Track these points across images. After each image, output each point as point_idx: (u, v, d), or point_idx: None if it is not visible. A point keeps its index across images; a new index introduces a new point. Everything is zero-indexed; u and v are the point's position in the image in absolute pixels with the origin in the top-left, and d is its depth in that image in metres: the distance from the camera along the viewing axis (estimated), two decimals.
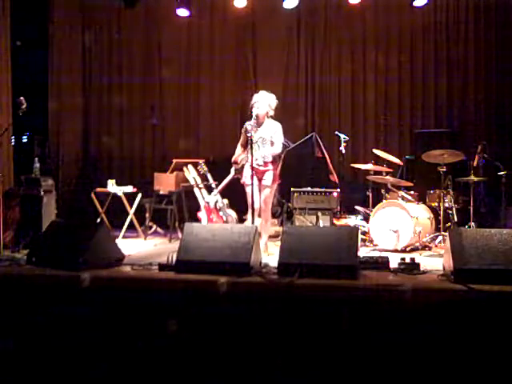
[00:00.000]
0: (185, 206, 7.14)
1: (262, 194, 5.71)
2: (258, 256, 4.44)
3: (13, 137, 7.73)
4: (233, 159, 5.93)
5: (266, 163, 5.71)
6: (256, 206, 5.33)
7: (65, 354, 3.96)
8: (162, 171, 7.25)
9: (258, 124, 5.68)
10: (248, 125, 5.73)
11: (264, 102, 5.65)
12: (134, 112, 8.99)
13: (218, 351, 3.84)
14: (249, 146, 5.64)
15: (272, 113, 5.75)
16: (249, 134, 5.55)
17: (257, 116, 5.63)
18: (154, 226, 7.40)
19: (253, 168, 5.29)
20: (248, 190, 5.69)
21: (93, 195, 7.12)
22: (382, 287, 3.85)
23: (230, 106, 8.67)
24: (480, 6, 8.19)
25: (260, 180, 5.71)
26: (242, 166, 5.84)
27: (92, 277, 4.14)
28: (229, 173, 6.22)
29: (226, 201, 6.56)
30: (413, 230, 5.92)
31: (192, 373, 3.86)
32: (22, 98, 5.47)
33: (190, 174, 6.75)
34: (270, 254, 5.57)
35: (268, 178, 5.72)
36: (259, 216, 5.66)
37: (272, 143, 5.74)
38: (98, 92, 9.04)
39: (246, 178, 5.72)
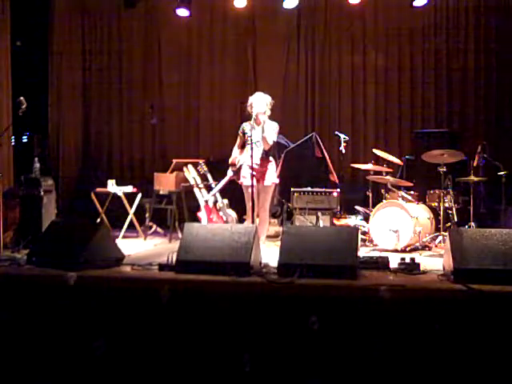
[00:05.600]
0: (185, 206, 7.14)
1: (260, 194, 5.70)
2: (258, 256, 4.44)
3: (13, 137, 7.74)
4: (230, 161, 5.91)
5: (264, 163, 5.69)
6: (255, 206, 5.32)
7: (62, 353, 3.97)
8: (162, 171, 7.25)
9: (257, 124, 5.66)
10: (246, 126, 5.72)
11: (262, 102, 5.63)
12: (133, 112, 8.99)
13: (218, 352, 3.85)
14: (247, 147, 5.64)
15: (269, 113, 5.73)
16: (248, 135, 5.54)
17: (256, 117, 5.61)
18: (154, 226, 7.40)
19: (251, 168, 5.28)
20: (246, 190, 5.69)
21: (93, 195, 7.11)
22: (381, 287, 3.85)
23: (230, 105, 8.67)
24: (480, 5, 8.20)
25: (258, 180, 5.69)
26: (240, 167, 5.83)
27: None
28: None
29: (226, 201, 6.56)
30: (413, 230, 5.91)
31: (191, 372, 3.87)
32: (22, 98, 5.47)
33: (190, 174, 6.75)
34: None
35: (266, 179, 5.70)
36: (257, 216, 5.65)
37: None
38: (98, 92, 9.05)
39: (244, 178, 5.72)
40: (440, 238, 6.11)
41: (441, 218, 6.11)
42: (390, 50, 8.46)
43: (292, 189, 6.56)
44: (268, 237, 6.18)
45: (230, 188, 6.32)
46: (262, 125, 5.62)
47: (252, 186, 5.22)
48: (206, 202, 6.49)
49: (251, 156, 5.26)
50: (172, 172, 7.02)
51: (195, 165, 6.74)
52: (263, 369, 3.77)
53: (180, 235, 6.10)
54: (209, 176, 6.59)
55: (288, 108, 8.51)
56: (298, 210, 6.45)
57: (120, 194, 7.00)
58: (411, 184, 6.65)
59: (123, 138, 9.05)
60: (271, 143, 5.62)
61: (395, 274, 4.35)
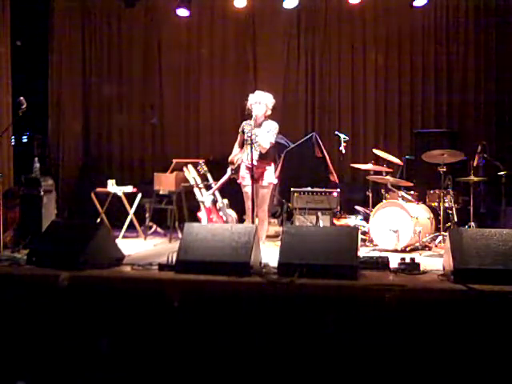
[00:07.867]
0: (185, 206, 7.14)
1: (257, 194, 5.67)
2: (258, 256, 4.44)
3: (13, 137, 7.73)
4: (229, 159, 5.90)
5: (261, 164, 5.66)
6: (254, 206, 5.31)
7: (64, 355, 3.97)
8: (162, 171, 7.25)
9: (256, 124, 5.62)
10: (246, 125, 5.70)
11: (262, 102, 5.61)
12: (133, 112, 8.99)
13: (219, 352, 3.85)
14: (246, 146, 5.64)
15: (269, 112, 5.70)
16: (248, 134, 5.53)
17: (255, 116, 5.58)
18: (154, 226, 7.40)
19: (250, 168, 5.27)
20: (245, 189, 5.68)
21: (93, 195, 7.11)
22: (381, 287, 3.85)
23: (230, 105, 8.67)
24: (480, 6, 8.19)
25: (257, 180, 5.65)
26: (238, 166, 5.82)
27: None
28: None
29: (225, 201, 6.56)
30: (413, 230, 5.91)
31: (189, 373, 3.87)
32: (22, 98, 5.47)
33: (190, 173, 6.75)
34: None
35: (264, 179, 5.68)
36: (256, 216, 5.63)
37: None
38: (98, 92, 9.04)
39: (243, 178, 5.71)
40: (440, 237, 6.11)
41: (441, 217, 6.11)
42: (390, 50, 8.46)
43: (292, 189, 6.55)
44: (268, 237, 6.18)
45: (229, 188, 6.32)
46: (259, 127, 5.59)
47: (252, 186, 5.22)
48: (203, 202, 6.48)
49: (250, 156, 5.24)
50: (172, 172, 7.03)
51: (195, 165, 6.73)
52: (262, 369, 3.77)
53: (180, 235, 6.10)
54: (209, 176, 6.59)
55: (288, 108, 8.51)
56: (297, 210, 6.44)
57: (120, 194, 7.01)
58: (411, 184, 6.65)
59: (123, 138, 9.05)
60: (267, 146, 5.57)
61: (395, 273, 4.35)
